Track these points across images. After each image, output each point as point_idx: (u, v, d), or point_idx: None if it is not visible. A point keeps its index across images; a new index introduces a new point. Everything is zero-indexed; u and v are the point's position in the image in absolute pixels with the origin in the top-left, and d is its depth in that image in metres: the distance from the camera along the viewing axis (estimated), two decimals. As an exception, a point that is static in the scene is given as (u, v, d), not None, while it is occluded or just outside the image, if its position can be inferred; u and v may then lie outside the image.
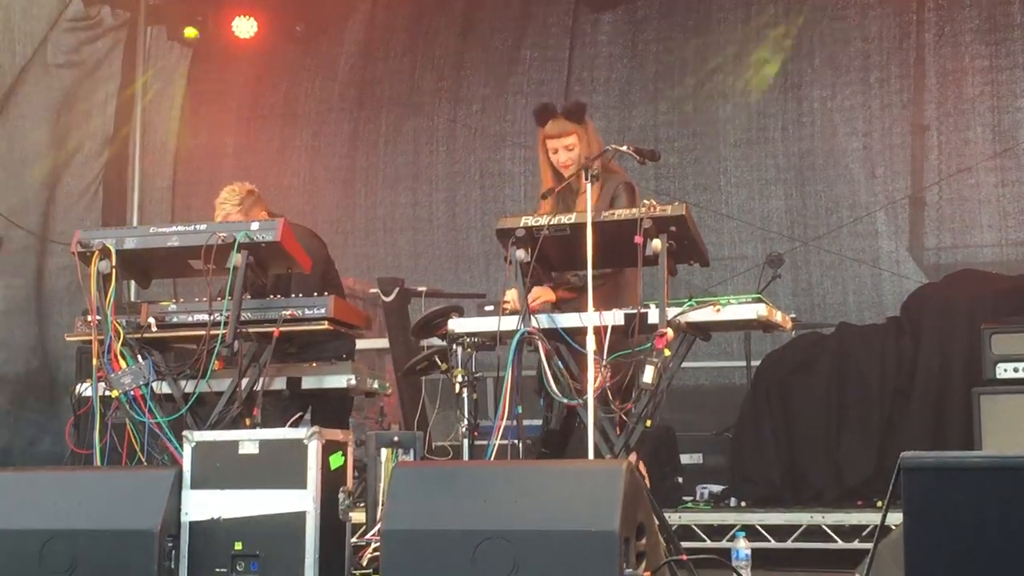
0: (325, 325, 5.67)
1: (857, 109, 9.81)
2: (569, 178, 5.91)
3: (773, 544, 6.93)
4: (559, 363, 5.39)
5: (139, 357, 5.71)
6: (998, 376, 7.05)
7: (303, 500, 5.14)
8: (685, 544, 5.79)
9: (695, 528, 7.06)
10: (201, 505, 5.24)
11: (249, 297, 5.70)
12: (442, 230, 10.68)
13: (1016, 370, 7.01)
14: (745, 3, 10.00)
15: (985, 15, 9.41)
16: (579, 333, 5.32)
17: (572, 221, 5.41)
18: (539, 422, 6.37)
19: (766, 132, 10.04)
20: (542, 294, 5.79)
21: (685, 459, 8.20)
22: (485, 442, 5.57)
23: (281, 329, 5.63)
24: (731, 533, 6.73)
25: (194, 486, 5.27)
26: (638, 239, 5.24)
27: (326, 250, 6.84)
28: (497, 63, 10.59)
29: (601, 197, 5.88)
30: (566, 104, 6.18)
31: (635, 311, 5.29)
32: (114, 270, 5.65)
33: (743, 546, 5.50)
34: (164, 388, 5.78)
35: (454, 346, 6.10)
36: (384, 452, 5.38)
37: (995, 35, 9.40)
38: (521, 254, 5.44)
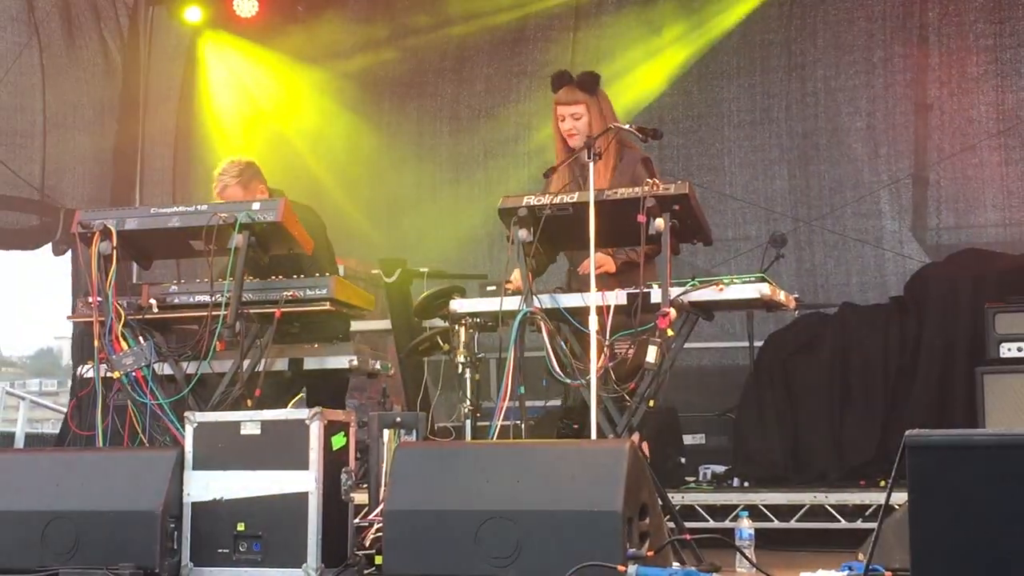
0: (327, 306, 5.66)
1: (860, 88, 9.78)
2: (575, 153, 5.88)
3: (776, 524, 6.92)
4: (562, 343, 5.37)
5: (140, 338, 5.70)
6: (1002, 355, 7.04)
7: (305, 481, 5.13)
8: (688, 524, 5.78)
9: (698, 508, 7.05)
10: (203, 486, 5.24)
11: (251, 278, 5.69)
12: (445, 211, 10.65)
13: (1020, 349, 7.01)
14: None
15: (990, -7, 9.38)
16: (581, 313, 5.31)
17: (575, 200, 5.39)
18: (541, 403, 6.38)
19: (770, 112, 10.02)
20: (604, 263, 5.77)
21: (688, 439, 8.19)
22: (487, 423, 5.56)
23: (283, 310, 5.62)
24: (734, 513, 6.73)
25: (196, 467, 5.27)
26: (641, 218, 5.22)
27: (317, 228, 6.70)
28: (501, 43, 10.55)
29: (618, 174, 5.87)
30: (580, 73, 6.17)
31: (638, 291, 5.27)
32: (115, 251, 5.64)
33: (746, 526, 5.49)
34: (166, 369, 5.77)
35: (456, 327, 6.08)
36: (386, 433, 5.37)
37: (999, 14, 9.36)
38: (523, 234, 5.41)
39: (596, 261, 5.53)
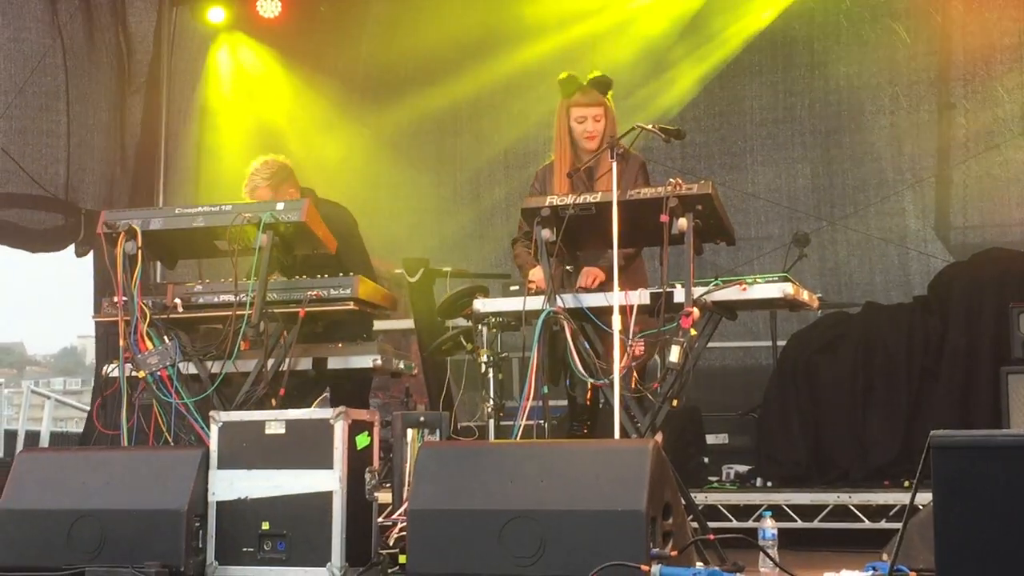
0: (351, 306, 5.67)
1: (884, 87, 9.76)
2: (592, 158, 5.89)
3: (800, 524, 6.90)
4: (585, 343, 5.38)
5: (165, 338, 5.72)
6: (1026, 355, 7.01)
7: (330, 480, 5.15)
8: (711, 524, 5.78)
9: (721, 508, 7.04)
10: (228, 485, 5.26)
11: (276, 277, 5.70)
12: (467, 210, 10.66)
13: (1045, 349, 6.98)
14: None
15: (1013, -9, 9.34)
16: (604, 313, 5.31)
17: (598, 200, 5.40)
18: (565, 402, 6.37)
19: (792, 111, 10.01)
20: (596, 275, 5.83)
21: (711, 439, 8.17)
22: (511, 422, 5.57)
23: (307, 309, 5.63)
24: (757, 513, 6.72)
25: (221, 466, 5.29)
26: (664, 218, 5.22)
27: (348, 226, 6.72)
28: (520, 41, 10.54)
29: (624, 176, 5.87)
30: (596, 76, 6.16)
31: (661, 290, 5.27)
32: (140, 251, 5.66)
33: (770, 526, 5.48)
34: (191, 368, 5.79)
35: (479, 326, 6.09)
36: (410, 432, 5.38)
37: (1024, 11, 9.33)
38: (546, 234, 5.42)
39: (591, 275, 5.60)
